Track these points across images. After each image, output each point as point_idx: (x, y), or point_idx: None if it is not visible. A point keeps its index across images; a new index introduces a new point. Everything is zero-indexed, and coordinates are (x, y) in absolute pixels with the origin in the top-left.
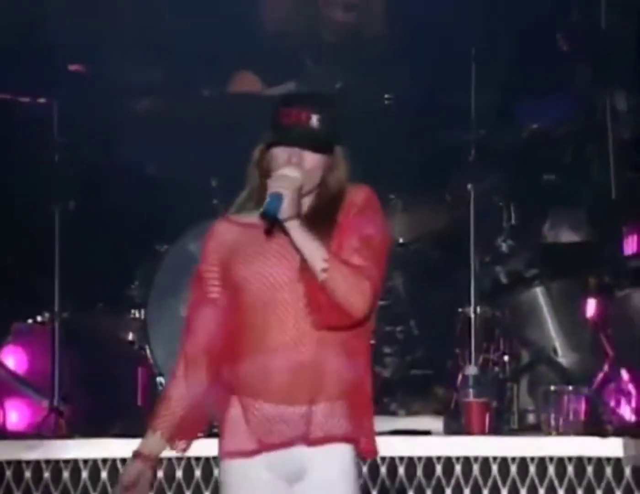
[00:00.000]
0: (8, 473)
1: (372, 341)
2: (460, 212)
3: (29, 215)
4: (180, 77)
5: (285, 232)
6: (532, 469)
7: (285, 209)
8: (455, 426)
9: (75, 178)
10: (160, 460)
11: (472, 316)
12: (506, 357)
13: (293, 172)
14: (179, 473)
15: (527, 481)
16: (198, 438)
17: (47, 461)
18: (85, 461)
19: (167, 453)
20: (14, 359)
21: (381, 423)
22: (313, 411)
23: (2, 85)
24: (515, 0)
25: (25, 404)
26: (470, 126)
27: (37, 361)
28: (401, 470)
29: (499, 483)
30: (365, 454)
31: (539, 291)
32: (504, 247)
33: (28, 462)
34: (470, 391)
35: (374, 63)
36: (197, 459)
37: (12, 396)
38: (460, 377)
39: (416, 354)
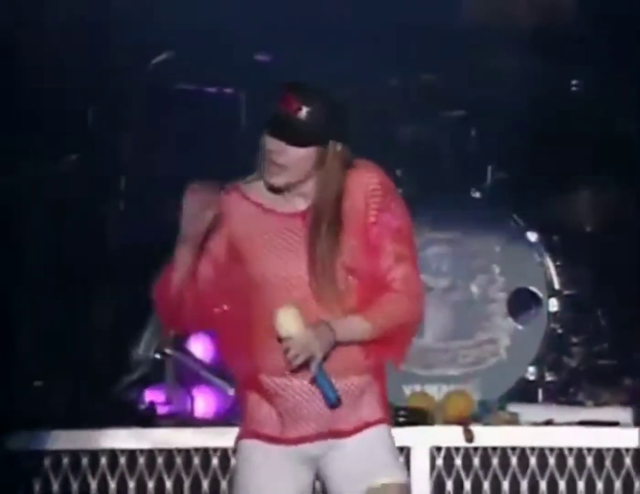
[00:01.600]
0: (196, 460)
1: (560, 331)
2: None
3: None
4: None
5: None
6: None
7: (325, 349)
8: None
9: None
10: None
11: None
12: None
13: (290, 325)
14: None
15: None
16: None
17: (234, 449)
18: None
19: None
20: (201, 347)
21: (568, 413)
22: (340, 386)
23: (188, 77)
24: None
25: (211, 392)
26: None
27: None
28: (589, 461)
29: None
30: None
31: None
32: None
33: (215, 449)
34: None
35: (561, 49)
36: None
37: (199, 384)
38: None
39: (603, 344)
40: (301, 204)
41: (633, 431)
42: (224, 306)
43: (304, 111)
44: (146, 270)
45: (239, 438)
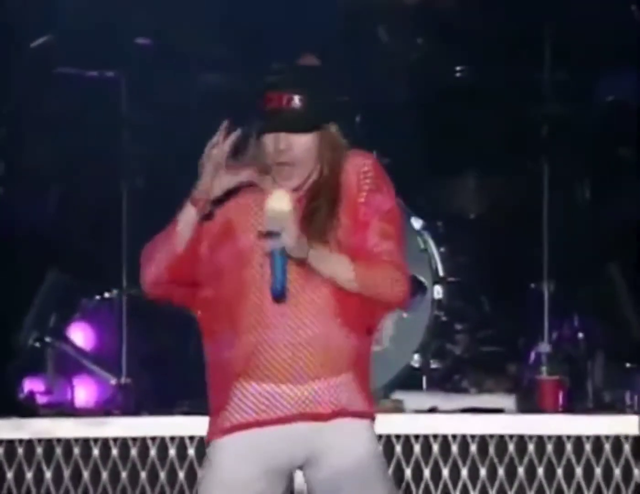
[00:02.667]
0: (76, 451)
1: (444, 318)
2: (534, 187)
3: (97, 192)
4: (248, 53)
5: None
6: (607, 447)
7: (294, 251)
8: (528, 404)
9: (144, 154)
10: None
11: (546, 292)
12: (580, 334)
13: (281, 203)
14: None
15: (602, 460)
16: None
17: (115, 439)
18: (153, 439)
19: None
20: (82, 335)
21: (453, 400)
22: (319, 387)
23: (69, 60)
24: None
25: (93, 381)
26: (545, 100)
27: (105, 338)
28: (473, 448)
29: (574, 461)
30: None
31: (614, 266)
32: (579, 223)
33: (96, 440)
34: (544, 368)
35: (447, 34)
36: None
37: (80, 374)
38: (532, 354)
39: (488, 331)
40: (294, 182)
41: (517, 418)
42: (210, 291)
43: (296, 100)
44: (27, 256)
45: (210, 436)
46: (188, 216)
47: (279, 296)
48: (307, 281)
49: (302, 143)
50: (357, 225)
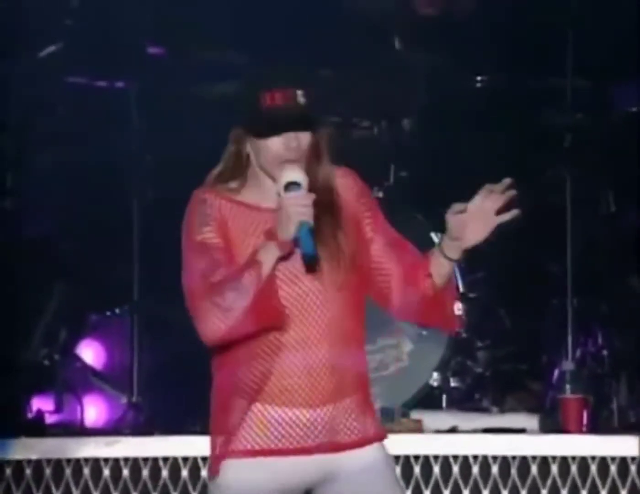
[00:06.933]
0: (86, 471)
1: (464, 334)
2: (556, 199)
3: (107, 205)
4: (260, 61)
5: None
6: (632, 469)
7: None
8: (551, 424)
9: (154, 166)
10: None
11: (569, 308)
12: (605, 352)
13: (297, 174)
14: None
15: (628, 482)
16: None
17: (126, 459)
18: (166, 459)
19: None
20: (92, 353)
21: (473, 420)
22: (335, 413)
23: (78, 69)
24: None
25: (103, 399)
26: (566, 110)
27: (115, 355)
28: (495, 469)
29: (599, 483)
30: None
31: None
32: (603, 236)
33: (106, 459)
34: (567, 387)
35: (465, 43)
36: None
37: (90, 392)
38: (556, 372)
39: (509, 348)
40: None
41: (540, 438)
42: None
43: (300, 95)
44: (35, 270)
45: (218, 457)
46: (273, 257)
47: (311, 260)
48: (322, 301)
49: (305, 141)
50: (364, 242)
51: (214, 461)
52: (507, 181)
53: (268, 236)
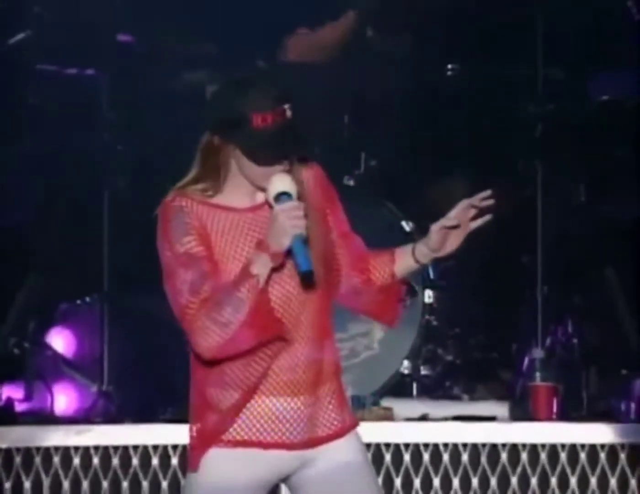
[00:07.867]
0: (56, 459)
1: (435, 323)
2: (527, 189)
3: (77, 192)
4: (233, 49)
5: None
6: (602, 456)
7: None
8: (522, 412)
9: (125, 154)
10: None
11: (539, 296)
12: (575, 340)
13: (287, 184)
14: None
15: (597, 469)
16: None
17: (96, 447)
18: (136, 448)
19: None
20: (62, 341)
21: (444, 408)
22: (315, 402)
23: (49, 57)
24: None
25: (73, 388)
26: (538, 100)
27: (86, 344)
28: (465, 457)
29: (568, 471)
30: None
31: (610, 271)
32: (573, 226)
33: (77, 448)
34: (537, 374)
35: (436, 31)
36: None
37: (61, 380)
38: (526, 360)
39: (479, 336)
40: (259, 197)
41: (510, 426)
42: None
43: (287, 109)
44: (5, 260)
45: (201, 444)
46: (266, 270)
47: (308, 276)
48: (303, 301)
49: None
50: (340, 234)
51: (193, 451)
52: (486, 193)
53: (260, 247)
